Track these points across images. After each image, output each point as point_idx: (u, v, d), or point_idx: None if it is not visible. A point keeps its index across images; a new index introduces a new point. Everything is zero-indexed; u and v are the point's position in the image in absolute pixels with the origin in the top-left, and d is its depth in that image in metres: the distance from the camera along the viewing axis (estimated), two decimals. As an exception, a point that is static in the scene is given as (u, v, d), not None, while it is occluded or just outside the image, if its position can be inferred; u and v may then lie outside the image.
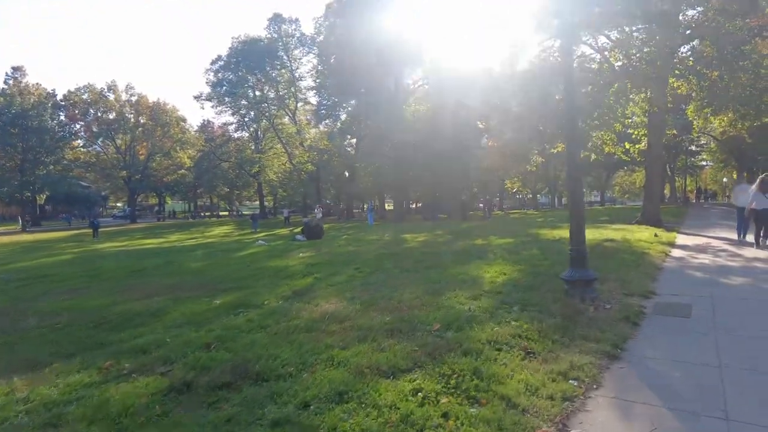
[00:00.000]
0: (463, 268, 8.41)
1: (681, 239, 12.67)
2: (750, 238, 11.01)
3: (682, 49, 16.07)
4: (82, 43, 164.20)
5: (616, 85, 15.28)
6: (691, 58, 14.83)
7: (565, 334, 4.31)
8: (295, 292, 7.23)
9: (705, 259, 9.04)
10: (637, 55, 14.36)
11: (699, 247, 10.89)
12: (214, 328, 5.26)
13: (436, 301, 5.77)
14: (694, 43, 14.77)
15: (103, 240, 30.09)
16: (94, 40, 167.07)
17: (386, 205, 51.49)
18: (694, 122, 18.25)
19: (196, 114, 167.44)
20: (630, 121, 17.51)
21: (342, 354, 3.94)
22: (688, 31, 13.48)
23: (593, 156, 18.09)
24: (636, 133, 17.62)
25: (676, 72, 14.88)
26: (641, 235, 12.98)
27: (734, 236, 12.13)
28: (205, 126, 63.45)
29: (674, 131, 20.13)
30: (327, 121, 40.16)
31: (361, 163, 37.78)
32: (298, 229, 18.64)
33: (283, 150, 48.31)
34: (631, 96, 15.50)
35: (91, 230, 33.86)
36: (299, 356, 3.97)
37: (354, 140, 44.15)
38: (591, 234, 13.39)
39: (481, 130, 17.41)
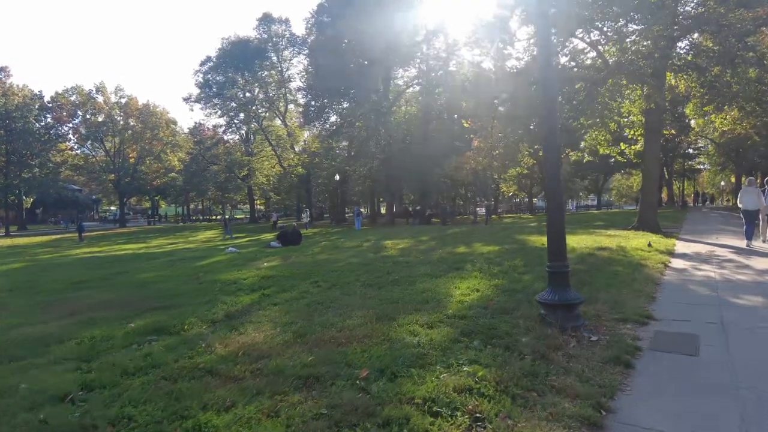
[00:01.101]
0: (433, 283, 7.31)
1: (681, 247, 11.60)
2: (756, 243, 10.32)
3: (680, 44, 15.07)
4: (72, 45, 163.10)
5: (610, 81, 14.25)
6: (690, 53, 13.82)
7: (533, 386, 3.20)
8: (228, 315, 6.12)
9: (710, 270, 7.96)
10: (633, 48, 13.35)
11: (701, 256, 9.82)
12: (94, 367, 4.15)
13: (385, 330, 4.67)
14: (694, 36, 13.76)
15: (84, 244, 28.97)
16: (85, 42, 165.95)
17: (383, 208, 50.33)
18: (694, 122, 17.21)
19: (188, 117, 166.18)
20: (626, 120, 16.49)
21: (215, 421, 2.83)
22: (686, 22, 12.46)
23: (587, 157, 17.03)
24: (632, 133, 16.59)
25: (675, 66, 13.88)
26: (638, 242, 11.90)
27: (738, 243, 11.49)
28: (197, 128, 62.33)
29: (673, 131, 19.09)
30: (316, 123, 38.98)
31: (351, 165, 36.69)
32: (280, 235, 17.52)
33: (273, 153, 47.19)
34: (626, 92, 14.48)
35: (76, 234, 32.87)
36: (159, 422, 2.86)
37: (346, 143, 43.12)
38: (583, 241, 12.35)
39: (470, 129, 16.40)
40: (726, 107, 14.25)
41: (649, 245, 10.13)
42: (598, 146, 16.67)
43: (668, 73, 15.20)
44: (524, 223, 27.74)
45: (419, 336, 4.39)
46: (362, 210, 40.44)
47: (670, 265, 8.65)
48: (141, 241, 32.91)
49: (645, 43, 12.74)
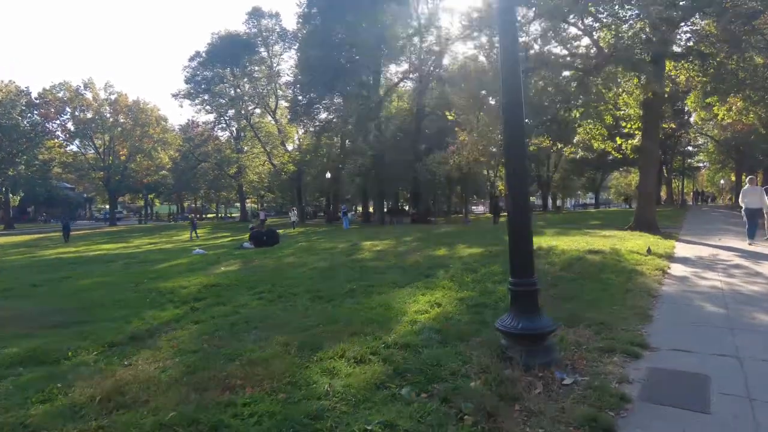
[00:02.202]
0: (392, 296, 6.24)
1: (681, 249, 10.52)
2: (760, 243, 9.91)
3: (681, 31, 13.96)
4: (61, 42, 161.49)
5: (606, 69, 13.15)
6: (692, 39, 12.71)
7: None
8: (134, 335, 5.08)
9: (715, 279, 6.88)
10: (630, 33, 12.27)
11: (704, 261, 8.74)
12: None
13: (297, 368, 3.59)
14: (695, 19, 12.62)
15: (63, 245, 27.86)
16: (74, 39, 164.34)
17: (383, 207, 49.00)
18: (695, 116, 16.12)
19: (180, 114, 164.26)
20: (623, 112, 15.40)
21: None
22: (686, 2, 11.34)
23: (581, 153, 15.91)
24: (629, 126, 15.49)
25: (675, 54, 12.78)
26: (634, 243, 10.83)
27: (743, 245, 10.68)
28: (190, 125, 61.06)
29: (672, 124, 17.96)
30: (305, 118, 37.72)
31: (342, 163, 35.53)
32: (253, 236, 16.40)
33: (263, 150, 46.03)
34: (623, 81, 13.40)
35: (62, 233, 31.43)
36: None
37: (337, 139, 41.95)
38: (574, 243, 11.28)
39: (459, 124, 15.37)
40: (730, 97, 13.15)
41: (648, 252, 9.01)
42: (593, 141, 15.58)
43: (668, 62, 14.11)
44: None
45: (336, 378, 3.31)
46: (350, 209, 39.27)
47: (669, 271, 7.57)
48: (123, 240, 31.85)
49: (643, 27, 11.64)
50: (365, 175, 32.39)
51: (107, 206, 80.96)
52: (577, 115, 13.50)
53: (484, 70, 15.21)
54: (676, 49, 12.84)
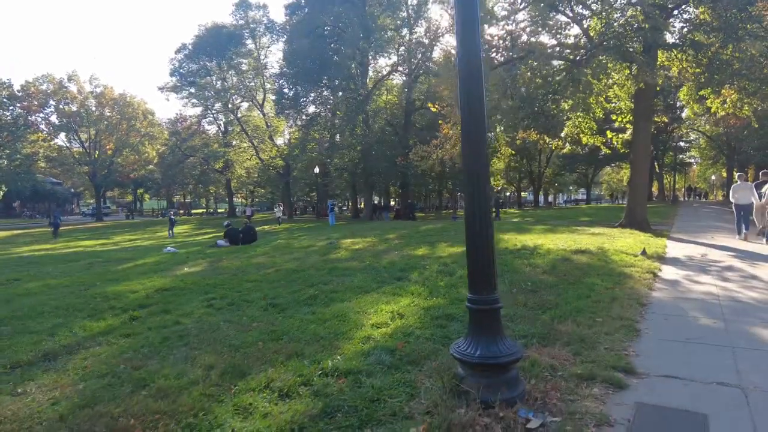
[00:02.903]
0: (354, 303, 5.61)
1: (672, 248, 9.98)
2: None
3: (674, 21, 13.37)
4: (49, 36, 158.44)
5: (596, 59, 12.53)
6: (686, 27, 12.11)
7: None
8: (47, 354, 4.42)
9: (710, 284, 6.31)
10: (621, 20, 11.66)
11: (697, 262, 8.19)
12: None
13: (204, 402, 2.95)
14: (687, 6, 12.00)
15: (44, 241, 26.94)
16: (62, 33, 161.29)
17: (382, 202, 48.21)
18: (687, 110, 15.57)
19: (169, 108, 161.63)
20: (613, 105, 14.81)
21: None
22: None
23: (568, 147, 15.32)
24: (620, 119, 14.92)
25: (668, 43, 12.18)
26: (624, 242, 10.28)
27: (736, 244, 10.46)
28: (179, 119, 59.82)
29: (665, 118, 17.40)
30: (291, 111, 36.80)
31: (330, 157, 34.75)
32: (227, 233, 15.67)
33: (250, 144, 45.10)
34: (612, 73, 12.78)
35: (51, 229, 31.06)
36: None
37: (327, 134, 41.10)
38: (561, 241, 10.70)
39: (441, 116, 14.68)
40: (725, 89, 12.59)
41: (643, 253, 8.41)
42: (581, 135, 14.99)
43: (660, 53, 13.53)
44: (508, 217, 26.13)
45: (249, 420, 2.66)
46: (337, 205, 38.56)
47: (660, 275, 7.00)
48: (104, 237, 31.03)
49: (635, 14, 11.02)
50: (352, 171, 31.64)
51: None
52: (566, 107, 12.88)
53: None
54: (669, 38, 12.24)
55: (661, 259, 8.42)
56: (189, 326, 5.12)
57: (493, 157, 19.72)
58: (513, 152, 22.35)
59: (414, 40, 33.21)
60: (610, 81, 13.64)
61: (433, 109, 15.10)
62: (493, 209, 27.83)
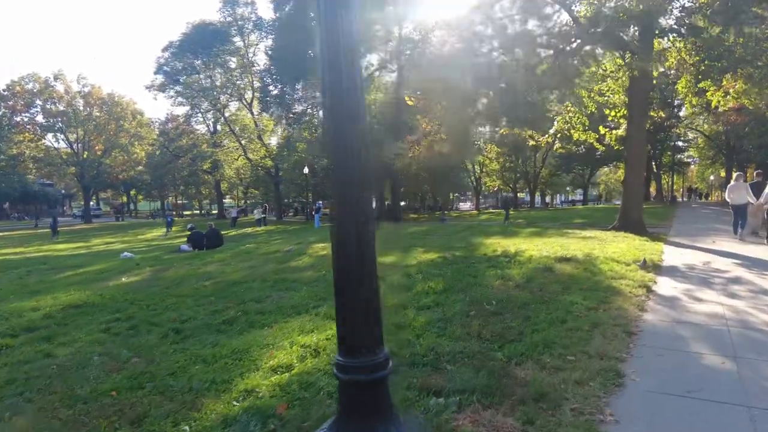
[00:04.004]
0: (272, 332, 4.53)
1: (670, 255, 8.90)
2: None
3: (670, 6, 12.28)
4: (36, 36, 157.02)
5: (588, 47, 11.47)
6: (684, 11, 11.02)
7: None
8: None
9: (714, 302, 5.23)
10: (612, 4, 10.59)
11: (698, 271, 7.11)
12: None
13: None
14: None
15: (15, 244, 25.91)
16: (51, 32, 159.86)
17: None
18: (686, 102, 14.48)
19: (160, 108, 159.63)
20: (606, 99, 13.72)
21: None
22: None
23: (558, 144, 14.23)
24: (613, 114, 13.84)
25: (664, 29, 11.11)
26: (616, 248, 9.19)
27: (741, 248, 9.49)
28: (169, 119, 58.64)
29: (662, 112, 16.30)
30: (277, 109, 35.58)
31: (317, 157, 33.60)
32: (190, 237, 14.55)
33: (238, 144, 43.93)
34: (603, 60, 11.72)
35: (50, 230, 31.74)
36: None
37: (318, 133, 39.89)
38: (547, 246, 9.59)
39: (418, 110, 13.63)
40: (726, 80, 11.52)
41: (644, 264, 7.27)
42: (572, 130, 13.89)
43: (656, 42, 12.47)
44: (500, 219, 25.04)
45: None
46: (325, 206, 37.40)
47: (655, 289, 5.91)
48: (83, 240, 30.00)
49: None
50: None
51: (91, 203, 78.44)
52: (551, 97, 11.81)
53: (453, 51, 13.49)
54: (665, 22, 11.16)
55: (657, 268, 7.33)
56: (58, 361, 4.04)
57: (478, 155, 18.63)
58: (499, 150, 21.22)
59: (404, 36, 32.15)
60: (602, 71, 12.57)
61: (410, 103, 14.02)
62: (503, 211, 25.90)
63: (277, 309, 5.39)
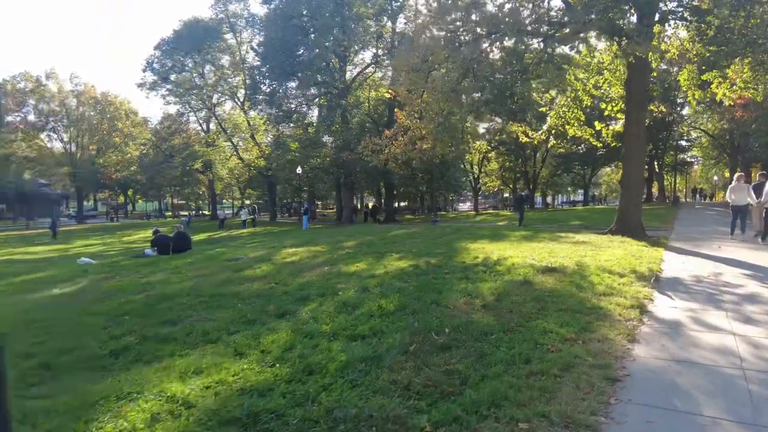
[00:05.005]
0: (156, 370, 3.54)
1: (671, 263, 7.88)
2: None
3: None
4: (30, 34, 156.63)
5: (582, 35, 10.46)
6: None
7: None
8: None
9: (724, 328, 4.22)
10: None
11: (704, 285, 6.09)
12: None
13: None
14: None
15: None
16: (49, 32, 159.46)
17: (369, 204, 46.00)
18: (689, 95, 13.43)
19: (156, 107, 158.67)
20: (601, 92, 12.71)
21: None
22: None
23: (552, 141, 13.22)
24: (610, 108, 12.82)
25: (666, 11, 10.09)
26: (611, 255, 8.19)
27: (751, 255, 8.54)
28: (165, 118, 57.82)
29: (662, 107, 15.24)
30: (266, 106, 34.54)
31: (307, 156, 32.61)
32: (155, 241, 13.58)
33: (230, 143, 43.05)
34: (595, 46, 10.74)
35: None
36: None
37: (311, 131, 38.90)
38: (533, 252, 8.59)
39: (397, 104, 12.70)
40: (731, 70, 10.51)
41: (656, 280, 6.23)
42: (567, 126, 12.88)
43: (656, 28, 11.44)
44: (491, 222, 23.99)
45: None
46: (313, 208, 36.52)
47: (650, 309, 4.90)
48: (67, 242, 29.15)
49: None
50: (329, 170, 29.52)
51: (87, 203, 77.73)
52: (537, 85, 10.80)
53: (433, 38, 12.47)
54: (664, 6, 10.13)
55: (657, 281, 6.31)
56: None
57: (465, 152, 17.58)
58: (489, 147, 20.17)
59: (397, 31, 31.17)
60: (597, 62, 11.56)
61: (387, 95, 13.03)
62: (515, 213, 23.12)
63: (184, 336, 4.40)
